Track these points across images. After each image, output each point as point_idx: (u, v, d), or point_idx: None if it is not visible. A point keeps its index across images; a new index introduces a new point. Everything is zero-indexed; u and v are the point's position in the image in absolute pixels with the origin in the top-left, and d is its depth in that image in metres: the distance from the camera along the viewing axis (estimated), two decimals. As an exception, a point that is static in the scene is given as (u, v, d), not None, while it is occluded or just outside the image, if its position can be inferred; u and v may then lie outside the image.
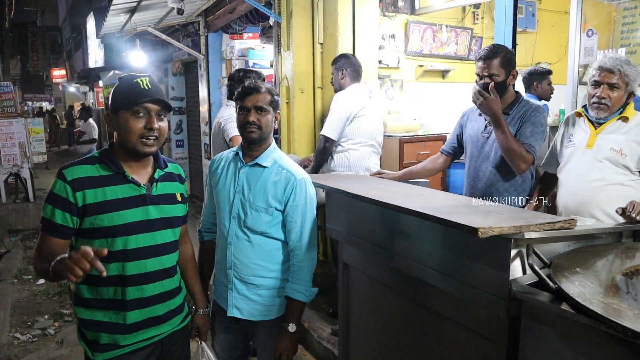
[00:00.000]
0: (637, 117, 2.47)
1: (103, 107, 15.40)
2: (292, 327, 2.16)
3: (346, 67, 3.85)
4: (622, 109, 2.48)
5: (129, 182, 1.79)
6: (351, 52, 4.42)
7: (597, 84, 2.48)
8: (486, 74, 2.69)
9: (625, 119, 2.48)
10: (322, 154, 3.78)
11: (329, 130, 3.71)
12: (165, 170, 1.92)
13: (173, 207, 1.91)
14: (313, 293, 2.20)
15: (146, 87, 1.74)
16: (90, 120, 10.58)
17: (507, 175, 2.77)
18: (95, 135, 10.62)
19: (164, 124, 1.79)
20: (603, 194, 2.47)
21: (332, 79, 3.98)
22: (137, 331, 1.82)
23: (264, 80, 3.60)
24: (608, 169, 2.47)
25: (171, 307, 1.93)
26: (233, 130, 3.44)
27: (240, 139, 3.22)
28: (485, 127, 2.84)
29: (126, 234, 1.76)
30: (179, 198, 1.94)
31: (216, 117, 3.81)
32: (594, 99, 2.47)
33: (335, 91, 3.93)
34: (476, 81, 2.77)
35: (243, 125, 2.13)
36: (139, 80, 1.75)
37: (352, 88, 3.83)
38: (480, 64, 2.72)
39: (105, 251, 1.46)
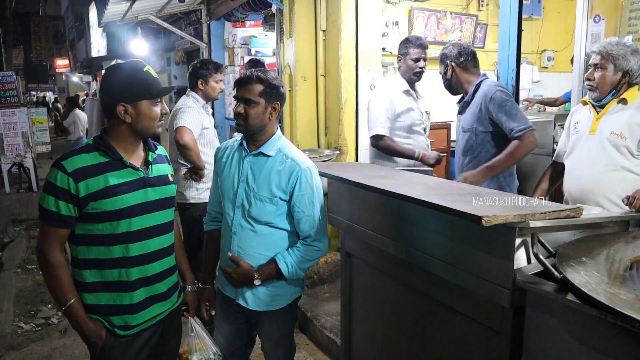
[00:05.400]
0: (638, 100, 2.44)
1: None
2: (257, 281, 2.10)
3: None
4: (615, 90, 2.45)
5: (127, 167, 1.85)
6: (354, 40, 4.38)
7: (588, 68, 2.53)
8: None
9: (625, 101, 2.44)
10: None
11: None
12: (156, 152, 2.00)
13: (167, 188, 2.00)
14: (298, 276, 2.15)
15: (156, 77, 1.88)
16: (76, 110, 10.44)
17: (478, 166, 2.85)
18: (77, 126, 10.34)
19: None
20: (607, 181, 2.45)
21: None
22: (143, 310, 1.90)
23: (206, 69, 3.59)
24: (610, 153, 2.45)
25: (170, 285, 2.02)
26: (180, 121, 3.31)
27: (184, 131, 3.29)
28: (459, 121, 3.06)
29: (129, 217, 1.83)
30: (170, 179, 2.04)
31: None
32: (585, 82, 2.52)
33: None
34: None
35: (234, 116, 2.11)
36: (147, 69, 1.85)
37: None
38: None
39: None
